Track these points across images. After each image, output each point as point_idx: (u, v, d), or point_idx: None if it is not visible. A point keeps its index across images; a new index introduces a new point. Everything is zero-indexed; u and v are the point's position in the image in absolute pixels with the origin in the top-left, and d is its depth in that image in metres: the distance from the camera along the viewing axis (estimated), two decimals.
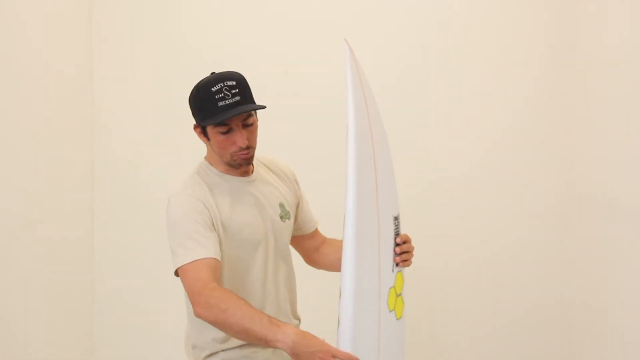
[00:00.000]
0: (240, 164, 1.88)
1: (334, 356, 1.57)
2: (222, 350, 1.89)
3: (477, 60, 3.14)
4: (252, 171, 1.96)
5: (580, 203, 3.02)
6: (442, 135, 3.16)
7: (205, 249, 1.75)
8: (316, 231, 2.18)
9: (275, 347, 1.66)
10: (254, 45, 3.12)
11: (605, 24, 2.81)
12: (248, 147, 1.85)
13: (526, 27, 3.13)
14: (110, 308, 3.37)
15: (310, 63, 3.11)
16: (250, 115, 1.85)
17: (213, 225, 1.81)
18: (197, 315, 1.70)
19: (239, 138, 1.82)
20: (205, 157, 1.96)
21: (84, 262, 3.31)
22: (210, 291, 1.68)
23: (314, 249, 2.18)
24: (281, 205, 1.97)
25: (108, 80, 3.30)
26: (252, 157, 1.89)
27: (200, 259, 1.73)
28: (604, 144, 2.82)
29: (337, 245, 1.95)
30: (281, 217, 1.96)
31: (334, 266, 1.94)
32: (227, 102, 1.79)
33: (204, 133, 1.88)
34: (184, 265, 1.74)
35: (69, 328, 3.18)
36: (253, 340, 1.67)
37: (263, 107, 1.82)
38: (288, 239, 2.02)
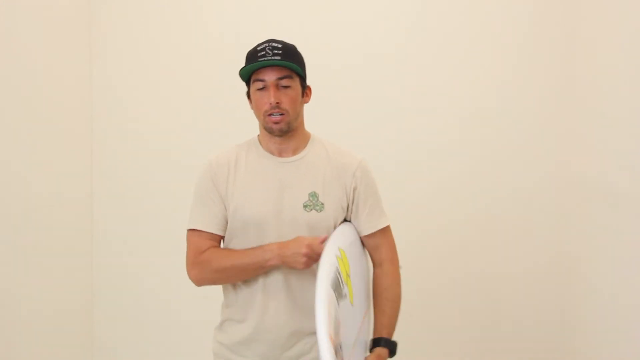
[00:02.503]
0: (272, 128, 1.85)
1: (308, 245, 1.77)
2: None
3: (477, 46, 3.14)
4: (298, 152, 1.93)
5: (580, 192, 3.03)
6: (442, 123, 3.17)
7: (207, 221, 1.89)
8: (373, 237, 1.98)
9: (270, 267, 1.83)
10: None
11: (606, 11, 2.81)
12: (280, 109, 1.84)
13: (525, 11, 3.13)
14: (109, 309, 3.39)
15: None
16: (288, 78, 1.85)
17: (220, 198, 1.88)
18: (196, 283, 1.90)
19: (271, 95, 1.83)
20: (258, 135, 1.98)
21: (84, 255, 3.33)
22: (199, 256, 1.86)
23: (373, 260, 2.01)
24: (312, 195, 1.89)
25: (107, 78, 3.32)
26: (287, 125, 1.86)
27: (202, 230, 1.89)
28: (604, 133, 2.82)
29: (381, 308, 1.95)
30: (305, 206, 1.88)
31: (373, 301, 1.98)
32: (266, 58, 1.83)
33: (249, 96, 1.92)
34: (189, 230, 1.91)
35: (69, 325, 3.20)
36: (251, 272, 1.85)
37: (298, 69, 1.86)
38: (317, 231, 1.88)
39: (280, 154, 1.92)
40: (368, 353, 1.92)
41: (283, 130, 1.86)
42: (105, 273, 3.36)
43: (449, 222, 3.19)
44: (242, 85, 1.97)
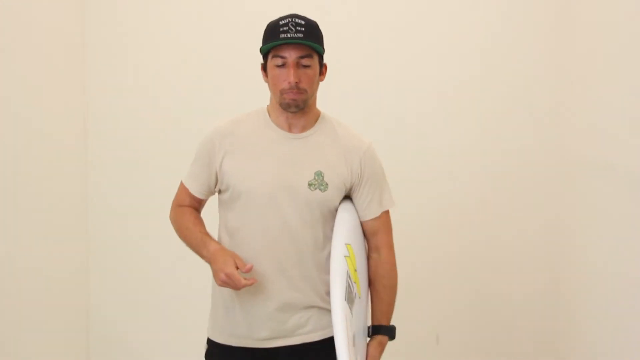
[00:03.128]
0: (289, 104, 1.83)
1: (227, 275, 1.77)
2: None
3: (474, 23, 3.19)
4: (307, 129, 1.91)
5: (575, 165, 3.07)
6: (439, 97, 3.21)
7: (193, 183, 1.97)
8: (372, 222, 1.97)
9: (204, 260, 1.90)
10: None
11: None
12: (298, 88, 1.82)
13: None
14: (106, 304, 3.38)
15: None
16: (309, 57, 1.83)
17: (210, 167, 1.91)
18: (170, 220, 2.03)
19: (291, 74, 1.81)
20: (267, 105, 1.96)
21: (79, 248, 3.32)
22: (177, 208, 1.99)
23: (369, 244, 2.00)
24: (318, 174, 1.87)
25: (101, 76, 3.33)
26: (302, 102, 1.84)
27: (190, 188, 1.97)
28: (599, 106, 2.85)
29: (379, 296, 1.97)
30: (309, 185, 1.87)
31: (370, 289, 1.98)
32: (288, 35, 1.80)
33: (265, 69, 1.89)
34: (182, 181, 2.01)
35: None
36: (196, 253, 1.93)
37: (319, 49, 1.85)
38: (317, 211, 1.88)
39: (289, 128, 1.91)
40: (367, 338, 1.94)
41: (299, 107, 1.85)
42: (101, 240, 3.37)
43: (439, 196, 3.23)
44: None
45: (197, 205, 2.00)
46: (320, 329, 1.90)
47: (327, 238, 1.90)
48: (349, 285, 1.75)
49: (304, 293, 1.88)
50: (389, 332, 1.96)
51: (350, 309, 1.73)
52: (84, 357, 3.38)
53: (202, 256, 1.89)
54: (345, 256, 1.78)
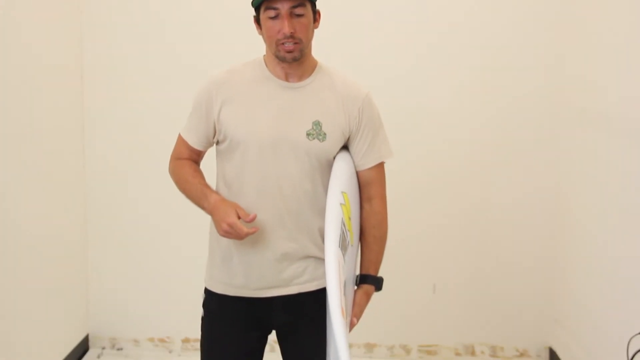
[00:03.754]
0: (285, 56, 1.81)
1: (230, 224, 1.76)
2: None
3: None
4: (305, 78, 1.89)
5: (572, 115, 3.08)
6: (435, 50, 3.21)
7: (190, 134, 1.95)
8: (366, 172, 1.95)
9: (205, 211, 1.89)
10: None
11: None
12: (294, 38, 1.79)
13: None
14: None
15: None
16: (302, 6, 1.80)
17: (207, 117, 1.90)
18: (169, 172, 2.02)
19: (285, 25, 1.79)
20: (263, 55, 1.94)
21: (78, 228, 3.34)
22: (176, 162, 1.98)
23: (362, 194, 1.98)
24: (316, 123, 1.85)
25: (98, 76, 3.31)
26: (299, 53, 1.81)
27: (188, 140, 1.96)
28: (597, 56, 2.84)
29: (369, 246, 1.97)
30: (308, 135, 1.85)
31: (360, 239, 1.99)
32: None
33: (258, 22, 1.86)
34: (180, 134, 1.99)
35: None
36: (196, 205, 1.91)
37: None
38: (315, 161, 1.87)
39: (286, 78, 1.88)
40: (355, 287, 1.95)
41: (296, 59, 1.82)
42: (99, 204, 3.39)
43: (438, 152, 3.25)
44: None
45: (196, 157, 1.99)
46: (317, 278, 1.92)
47: (325, 188, 1.88)
48: (343, 233, 1.75)
49: (302, 243, 1.89)
50: (376, 283, 1.96)
51: (343, 255, 1.74)
52: (84, 327, 3.46)
53: (202, 208, 1.88)
54: (341, 204, 1.78)
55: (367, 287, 1.95)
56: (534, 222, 3.30)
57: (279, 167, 1.85)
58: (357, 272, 1.99)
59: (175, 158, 2.00)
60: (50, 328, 3.07)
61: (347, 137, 1.91)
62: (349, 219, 1.83)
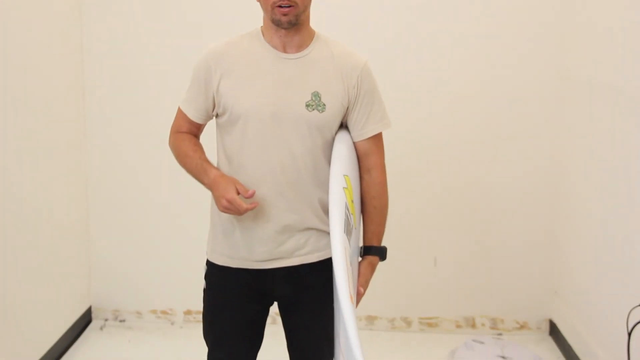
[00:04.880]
0: (280, 19, 1.78)
1: (229, 200, 1.77)
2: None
3: None
4: (303, 48, 1.87)
5: (575, 87, 3.07)
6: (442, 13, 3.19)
7: (190, 107, 1.94)
8: (365, 143, 1.94)
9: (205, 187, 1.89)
10: None
11: None
12: (289, 0, 1.76)
13: None
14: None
15: None
16: None
17: (206, 89, 1.88)
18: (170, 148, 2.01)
19: None
20: (261, 26, 1.92)
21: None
22: (176, 134, 1.97)
23: (362, 165, 1.97)
24: (315, 94, 1.84)
25: (99, 43, 3.29)
26: (294, 17, 1.79)
27: (188, 113, 1.95)
28: (599, 28, 2.83)
29: (371, 217, 1.97)
30: (307, 106, 1.83)
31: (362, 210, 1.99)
32: None
33: None
34: (179, 107, 1.98)
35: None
36: (197, 180, 1.92)
37: None
38: (316, 132, 1.85)
39: (284, 48, 1.86)
40: (359, 258, 1.96)
41: (292, 23, 1.79)
42: (100, 169, 3.39)
43: (439, 127, 3.25)
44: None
45: (196, 130, 1.98)
46: (318, 250, 1.93)
47: (327, 159, 1.88)
48: (347, 217, 1.75)
49: (303, 215, 1.89)
50: (380, 253, 1.97)
51: (349, 240, 1.74)
52: (87, 299, 3.48)
53: (202, 183, 1.88)
54: (343, 188, 1.78)
55: (371, 257, 1.96)
56: (535, 196, 3.30)
57: (279, 139, 1.84)
58: (361, 244, 1.99)
59: (175, 132, 1.99)
60: (53, 300, 3.09)
61: (347, 107, 1.89)
62: (352, 202, 1.83)
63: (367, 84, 1.90)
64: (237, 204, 1.76)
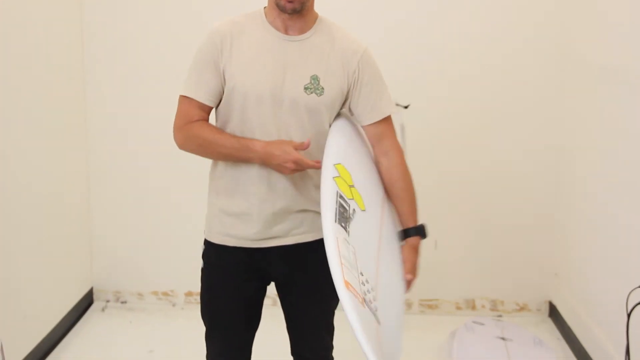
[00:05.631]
0: (285, 6, 1.78)
1: (295, 162, 1.74)
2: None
3: None
4: (304, 32, 1.85)
5: (577, 69, 3.06)
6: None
7: (200, 91, 1.84)
8: (375, 126, 1.93)
9: (253, 162, 1.83)
10: None
11: None
12: None
13: None
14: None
15: None
16: None
17: (215, 68, 1.83)
18: (179, 147, 1.89)
19: None
20: (265, 7, 1.90)
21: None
22: (189, 125, 1.84)
23: (377, 150, 1.97)
24: (314, 78, 1.83)
25: (99, 25, 3.29)
26: (299, 4, 1.78)
27: (192, 98, 1.85)
28: (602, 10, 2.82)
29: (399, 199, 1.96)
30: (306, 89, 1.82)
31: (390, 196, 1.97)
32: None
33: None
34: (181, 96, 1.87)
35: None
36: (232, 161, 1.86)
37: None
38: (314, 115, 1.85)
39: (286, 31, 1.85)
40: (402, 243, 1.95)
41: (296, 10, 1.79)
42: (100, 151, 3.40)
43: (440, 109, 3.23)
44: None
45: (207, 117, 1.89)
46: (314, 230, 1.93)
47: (324, 143, 1.87)
48: (341, 206, 1.73)
49: (299, 198, 1.89)
50: (419, 232, 1.94)
51: (346, 227, 1.72)
52: (88, 280, 3.50)
53: (248, 159, 1.82)
54: (333, 177, 1.76)
55: (411, 240, 1.94)
56: (536, 178, 3.30)
57: (278, 122, 1.84)
58: (399, 228, 1.97)
59: (185, 123, 1.86)
60: (55, 281, 3.10)
61: (346, 93, 1.89)
62: (350, 187, 1.81)
63: (370, 68, 1.89)
64: (303, 162, 1.77)
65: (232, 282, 1.96)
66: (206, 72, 1.84)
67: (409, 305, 3.43)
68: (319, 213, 1.87)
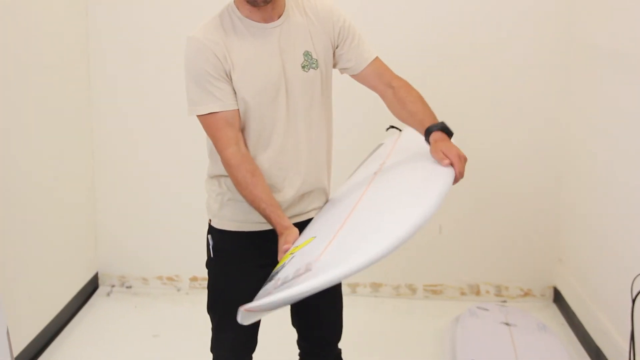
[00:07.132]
0: (257, 1, 1.78)
1: (287, 249, 1.70)
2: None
3: None
4: (280, 15, 1.86)
5: (580, 50, 3.06)
6: None
7: (219, 101, 1.80)
8: (373, 66, 1.96)
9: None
10: None
11: None
12: None
13: None
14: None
15: None
16: None
17: (225, 74, 1.81)
18: (233, 181, 1.85)
19: None
20: (232, 2, 1.89)
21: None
22: (240, 169, 1.80)
23: (380, 87, 1.96)
24: (306, 54, 1.87)
25: (104, 13, 3.28)
26: None
27: (216, 112, 1.80)
28: None
29: (413, 111, 1.89)
30: (303, 67, 1.86)
31: (404, 118, 1.94)
32: None
33: None
34: (202, 115, 1.82)
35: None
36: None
37: None
38: (317, 90, 1.89)
39: (265, 20, 1.85)
40: (428, 145, 1.81)
41: (267, 2, 1.80)
42: (105, 137, 3.40)
43: (441, 93, 3.21)
44: None
45: (238, 126, 1.84)
46: (323, 203, 2.00)
47: (331, 109, 1.96)
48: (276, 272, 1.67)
49: (317, 177, 1.95)
50: (440, 127, 1.81)
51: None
52: (94, 265, 3.51)
53: (270, 222, 1.80)
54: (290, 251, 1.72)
55: (434, 135, 1.80)
56: (540, 163, 3.29)
57: (288, 106, 1.86)
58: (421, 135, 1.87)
59: (226, 148, 1.81)
60: (60, 266, 3.12)
61: (333, 50, 1.93)
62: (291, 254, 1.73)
63: (342, 22, 1.93)
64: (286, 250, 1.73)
65: (248, 269, 1.95)
66: (218, 82, 1.80)
67: (413, 290, 3.44)
68: (324, 189, 2.00)
